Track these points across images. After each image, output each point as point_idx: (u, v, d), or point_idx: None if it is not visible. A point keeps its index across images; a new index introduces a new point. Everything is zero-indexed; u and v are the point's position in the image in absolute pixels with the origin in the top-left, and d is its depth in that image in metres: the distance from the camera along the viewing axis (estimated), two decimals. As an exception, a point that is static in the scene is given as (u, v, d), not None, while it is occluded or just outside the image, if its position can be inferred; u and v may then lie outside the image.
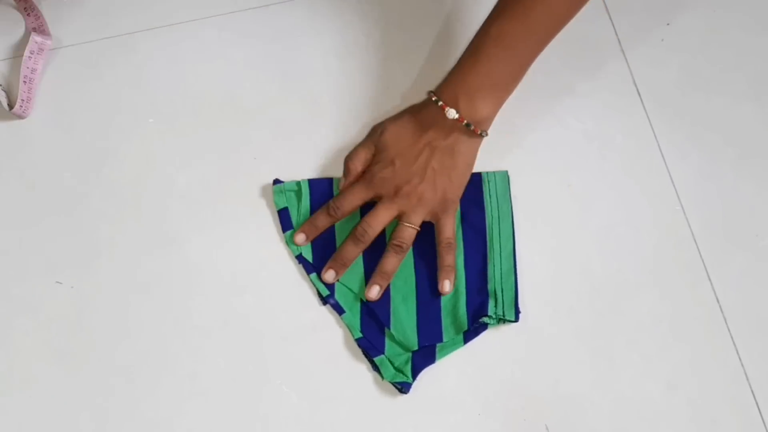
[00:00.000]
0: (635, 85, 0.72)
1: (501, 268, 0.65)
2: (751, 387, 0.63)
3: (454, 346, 0.64)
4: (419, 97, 0.67)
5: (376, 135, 0.66)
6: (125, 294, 0.66)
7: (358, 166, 0.66)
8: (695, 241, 0.67)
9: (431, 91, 0.64)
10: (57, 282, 0.66)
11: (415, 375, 0.62)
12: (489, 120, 0.64)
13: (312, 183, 0.67)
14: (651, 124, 0.70)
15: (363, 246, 0.64)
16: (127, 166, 0.69)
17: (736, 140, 0.70)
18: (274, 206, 0.67)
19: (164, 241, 0.67)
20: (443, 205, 0.64)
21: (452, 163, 0.64)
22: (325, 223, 0.65)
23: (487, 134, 0.64)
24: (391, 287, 0.65)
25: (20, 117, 0.70)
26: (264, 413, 0.63)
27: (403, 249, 0.64)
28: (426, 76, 0.71)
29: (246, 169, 0.69)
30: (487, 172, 0.68)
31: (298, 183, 0.67)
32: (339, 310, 0.64)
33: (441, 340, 0.63)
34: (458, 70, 0.63)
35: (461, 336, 0.64)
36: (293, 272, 0.66)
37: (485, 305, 0.64)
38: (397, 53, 0.73)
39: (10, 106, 0.70)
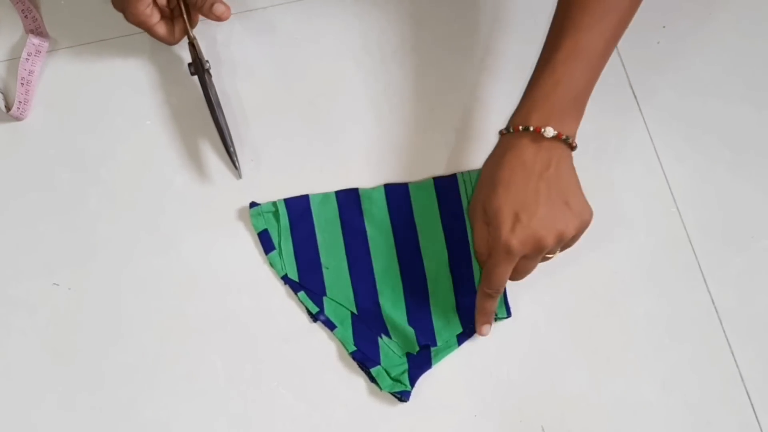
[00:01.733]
0: (631, 87, 0.72)
1: None
2: (746, 388, 0.63)
3: (448, 348, 0.64)
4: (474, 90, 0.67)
5: (479, 212, 0.61)
6: (122, 295, 0.66)
7: (484, 248, 0.60)
8: (691, 242, 0.67)
9: (509, 127, 0.60)
10: (54, 284, 0.66)
11: (413, 383, 0.62)
12: (576, 132, 0.61)
13: (288, 202, 0.67)
14: (647, 126, 0.70)
15: (498, 295, 0.62)
16: (124, 167, 0.69)
17: (731, 142, 0.70)
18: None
19: (161, 242, 0.67)
20: (582, 227, 0.60)
21: (570, 184, 0.60)
22: (493, 306, 0.62)
23: (577, 146, 0.61)
24: (379, 296, 0.65)
25: (17, 119, 0.71)
26: (260, 415, 0.63)
27: (517, 278, 0.61)
28: (486, 70, 0.71)
29: (243, 171, 0.69)
30: (462, 173, 0.67)
31: (275, 203, 0.66)
32: (330, 325, 0.64)
33: (435, 344, 0.63)
34: (538, 94, 0.60)
35: (455, 338, 0.64)
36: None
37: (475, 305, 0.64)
38: (457, 50, 0.72)
39: (8, 107, 0.70)
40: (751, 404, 0.63)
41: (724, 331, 0.65)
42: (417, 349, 0.63)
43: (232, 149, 0.67)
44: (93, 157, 0.70)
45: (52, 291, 0.66)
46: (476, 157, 0.68)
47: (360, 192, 0.67)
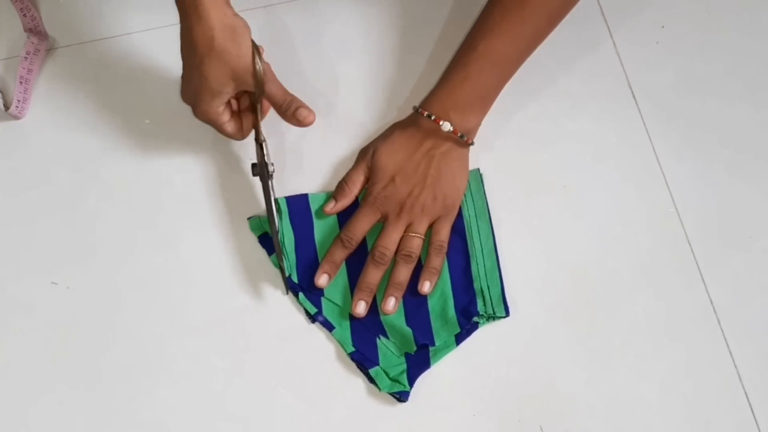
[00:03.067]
0: (630, 87, 0.72)
1: (485, 266, 0.65)
2: (744, 388, 0.63)
3: (447, 348, 0.64)
4: (412, 102, 0.67)
5: (368, 156, 0.67)
6: (120, 294, 0.66)
7: (353, 189, 0.66)
8: (689, 242, 0.67)
9: (419, 107, 0.66)
10: (53, 282, 0.66)
11: (411, 383, 0.62)
12: (477, 129, 0.67)
13: (289, 200, 0.67)
14: (646, 126, 0.71)
15: (384, 267, 0.64)
16: (123, 166, 0.69)
17: (730, 142, 0.70)
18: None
19: (160, 241, 0.67)
20: (444, 210, 0.65)
21: (449, 169, 0.65)
22: (342, 255, 0.65)
23: (474, 143, 0.66)
24: (377, 297, 0.65)
25: (16, 117, 0.70)
26: (260, 414, 0.63)
27: (412, 258, 0.64)
28: (424, 81, 0.71)
29: (242, 170, 0.69)
30: None
31: (277, 200, 0.66)
32: (328, 326, 0.64)
33: (433, 344, 0.63)
34: (447, 85, 0.65)
35: (453, 338, 0.64)
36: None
37: (474, 305, 0.64)
38: (394, 59, 0.73)
39: (6, 106, 0.70)
40: (749, 403, 0.63)
41: (722, 331, 0.65)
42: (415, 348, 0.63)
43: (282, 268, 0.64)
44: (92, 156, 0.69)
45: (50, 290, 0.66)
46: (477, 155, 0.68)
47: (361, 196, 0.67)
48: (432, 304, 0.65)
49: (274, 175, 0.65)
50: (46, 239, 0.67)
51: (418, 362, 0.63)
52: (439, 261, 0.65)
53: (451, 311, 0.64)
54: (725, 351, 0.64)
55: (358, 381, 0.63)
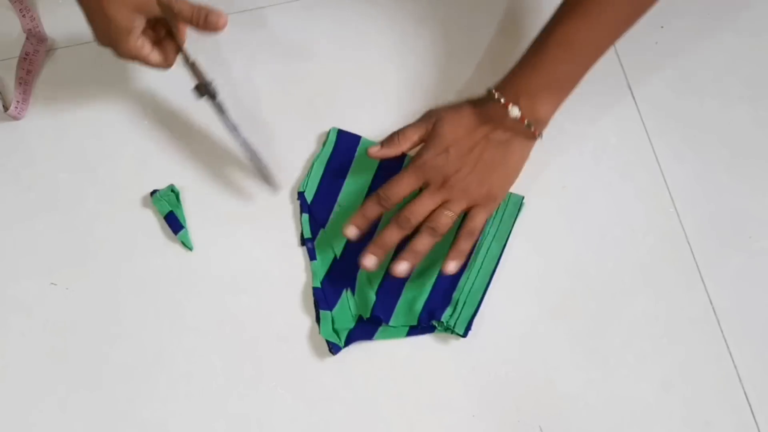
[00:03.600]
0: (629, 87, 0.72)
1: (473, 284, 0.65)
2: (743, 388, 0.63)
3: (395, 333, 0.64)
4: (473, 92, 0.66)
5: (431, 120, 0.64)
6: (120, 295, 0.66)
7: (405, 143, 0.64)
8: (689, 242, 0.67)
9: (492, 88, 0.63)
10: (52, 283, 0.66)
11: (347, 343, 0.63)
12: (547, 121, 0.64)
13: (340, 133, 0.68)
14: (645, 126, 0.70)
15: (405, 232, 0.62)
16: (122, 167, 0.69)
17: (729, 142, 0.70)
18: (268, 206, 0.67)
19: (159, 242, 0.67)
20: (485, 199, 0.64)
21: (504, 160, 0.63)
22: (375, 212, 0.63)
23: (542, 137, 0.64)
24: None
25: (15, 118, 0.70)
26: (259, 414, 0.63)
27: (437, 233, 0.62)
28: (483, 72, 0.71)
29: (241, 169, 0.69)
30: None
31: (327, 133, 0.68)
32: (312, 255, 0.65)
33: (387, 322, 0.64)
34: (521, 69, 0.63)
35: (406, 328, 0.64)
36: (289, 273, 0.66)
37: (442, 310, 0.64)
38: (454, 51, 0.73)
39: (6, 107, 0.70)
40: (749, 404, 0.63)
41: (722, 331, 0.65)
42: (368, 315, 0.64)
43: (263, 167, 0.64)
44: (91, 157, 0.69)
45: (50, 291, 0.66)
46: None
47: (408, 158, 0.67)
48: (407, 288, 0.65)
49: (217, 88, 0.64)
50: (46, 240, 0.67)
51: (364, 329, 0.64)
52: (468, 245, 0.63)
53: (419, 304, 0.64)
54: (725, 351, 0.64)
55: (358, 381, 0.63)
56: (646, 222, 0.68)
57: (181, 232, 0.66)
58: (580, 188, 0.68)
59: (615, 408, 0.63)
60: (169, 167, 0.69)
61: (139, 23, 0.61)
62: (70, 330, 0.65)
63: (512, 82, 0.63)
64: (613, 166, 0.69)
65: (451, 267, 0.63)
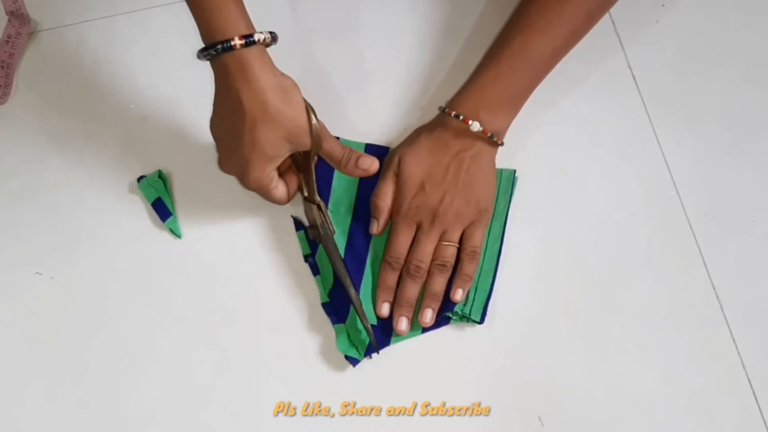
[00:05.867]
0: (630, 68, 0.70)
1: (482, 267, 0.64)
2: (747, 375, 0.62)
3: (412, 333, 0.63)
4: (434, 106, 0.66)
5: (393, 165, 0.64)
6: (107, 284, 0.64)
7: (386, 202, 0.64)
8: (691, 226, 0.66)
9: (445, 107, 0.64)
10: (37, 273, 0.65)
11: (367, 354, 0.62)
12: (506, 129, 0.65)
13: (368, 147, 0.67)
14: (646, 107, 0.69)
15: (421, 281, 0.63)
16: (108, 153, 0.68)
17: (732, 124, 0.69)
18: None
19: (147, 229, 0.66)
20: (477, 215, 0.63)
21: (479, 172, 0.63)
22: (394, 277, 0.63)
23: (503, 144, 0.64)
24: (368, 255, 0.64)
25: (-2, 103, 0.69)
26: (250, 406, 0.62)
27: (447, 268, 0.63)
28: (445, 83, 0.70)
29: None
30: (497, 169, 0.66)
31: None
32: (315, 270, 0.64)
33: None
34: (477, 83, 0.63)
35: (420, 326, 0.63)
36: (281, 263, 0.65)
37: (452, 306, 0.63)
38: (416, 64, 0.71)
39: (-13, 92, 0.68)
40: (753, 391, 0.62)
41: (724, 317, 0.64)
42: (375, 322, 0.63)
43: (366, 324, 0.62)
44: (76, 142, 0.68)
45: (34, 280, 0.64)
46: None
47: (390, 150, 0.67)
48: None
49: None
50: (30, 228, 0.66)
51: (380, 336, 0.62)
52: (472, 268, 0.63)
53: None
54: (728, 337, 0.63)
55: (352, 373, 0.62)
56: (646, 206, 0.66)
57: (170, 219, 0.65)
58: (580, 171, 0.67)
59: (615, 397, 0.62)
60: (156, 152, 0.68)
61: (284, 153, 0.59)
62: (56, 320, 0.64)
63: (470, 97, 0.63)
64: (613, 149, 0.68)
65: (459, 295, 0.62)
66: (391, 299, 0.63)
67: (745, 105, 0.69)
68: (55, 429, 0.61)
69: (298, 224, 0.65)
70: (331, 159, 0.61)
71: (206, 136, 0.67)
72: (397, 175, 0.64)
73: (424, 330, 0.63)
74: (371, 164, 0.60)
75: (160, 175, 0.66)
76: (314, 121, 0.58)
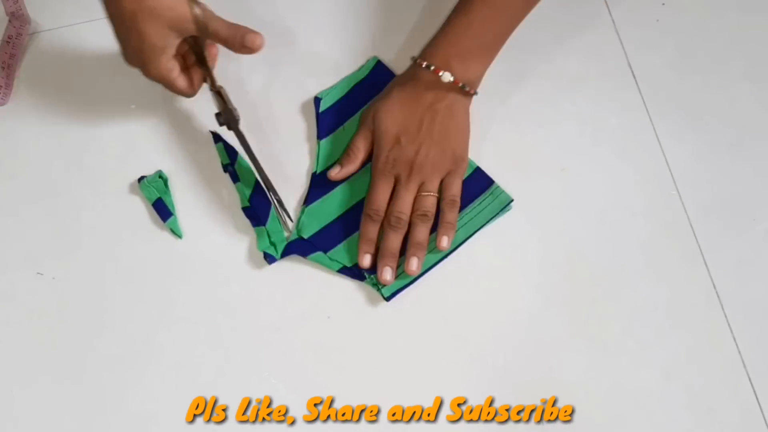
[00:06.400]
0: (630, 67, 0.70)
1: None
2: (748, 374, 0.62)
3: (329, 264, 0.64)
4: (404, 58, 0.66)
5: (369, 120, 0.66)
6: (107, 284, 0.64)
7: (359, 155, 0.66)
8: (691, 225, 0.66)
9: (417, 57, 0.64)
10: (38, 273, 0.65)
11: (284, 255, 0.64)
12: (479, 79, 0.65)
13: (379, 64, 0.69)
14: (646, 106, 0.69)
15: (402, 231, 0.64)
16: (108, 153, 0.68)
17: (733, 122, 0.69)
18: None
19: (147, 229, 0.66)
20: (454, 164, 0.64)
21: (454, 122, 0.64)
22: (375, 229, 0.64)
23: (477, 93, 0.65)
24: (337, 191, 0.66)
25: (-1, 104, 0.69)
26: (252, 405, 0.61)
27: (428, 217, 0.64)
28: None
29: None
30: (497, 186, 0.66)
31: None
32: (234, 178, 0.66)
33: (326, 252, 0.65)
34: (448, 33, 0.63)
35: (340, 264, 0.65)
36: (281, 262, 0.65)
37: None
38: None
39: (-12, 92, 0.68)
40: (753, 389, 0.62)
41: (725, 315, 0.64)
42: (308, 236, 0.65)
43: (279, 204, 0.65)
44: (76, 143, 0.68)
45: (35, 280, 0.64)
46: (475, 140, 0.66)
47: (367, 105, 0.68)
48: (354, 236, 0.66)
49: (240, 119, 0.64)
50: (31, 229, 0.66)
51: (302, 246, 0.64)
52: (453, 215, 0.64)
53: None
54: (728, 335, 0.63)
55: (352, 372, 0.62)
56: (647, 204, 0.66)
57: (170, 220, 0.65)
58: (580, 170, 0.67)
59: (616, 396, 0.62)
60: (156, 152, 0.68)
61: (173, 42, 0.59)
62: (57, 320, 0.63)
63: (440, 48, 0.63)
64: (613, 148, 0.68)
65: (444, 243, 0.64)
66: (372, 250, 0.64)
67: (746, 103, 0.69)
68: (55, 429, 0.61)
69: (216, 137, 0.66)
70: (219, 39, 0.60)
71: (206, 137, 0.68)
72: (372, 131, 0.65)
73: (341, 270, 0.64)
74: (255, 39, 0.59)
75: (161, 175, 0.66)
76: (195, 6, 0.58)
